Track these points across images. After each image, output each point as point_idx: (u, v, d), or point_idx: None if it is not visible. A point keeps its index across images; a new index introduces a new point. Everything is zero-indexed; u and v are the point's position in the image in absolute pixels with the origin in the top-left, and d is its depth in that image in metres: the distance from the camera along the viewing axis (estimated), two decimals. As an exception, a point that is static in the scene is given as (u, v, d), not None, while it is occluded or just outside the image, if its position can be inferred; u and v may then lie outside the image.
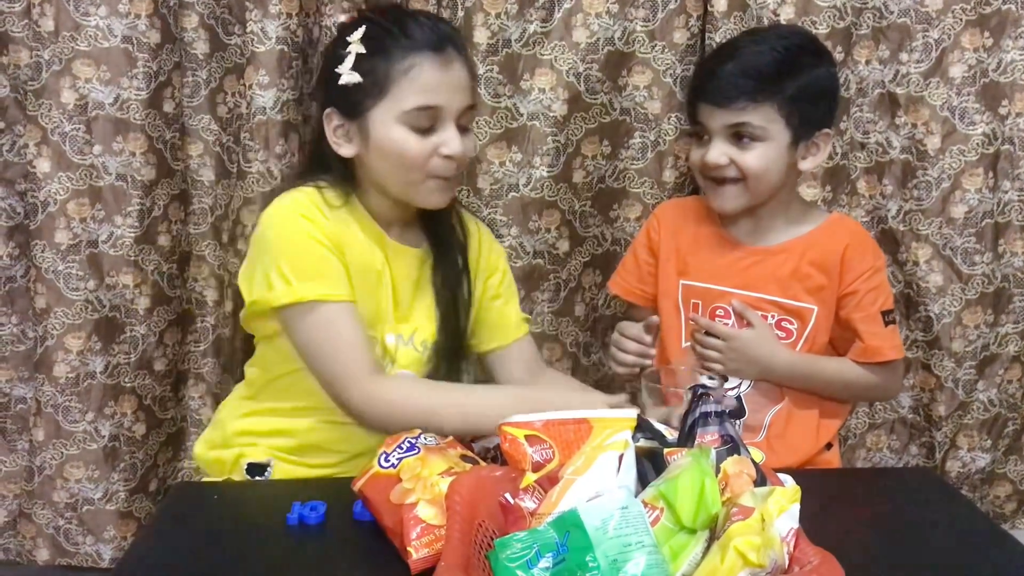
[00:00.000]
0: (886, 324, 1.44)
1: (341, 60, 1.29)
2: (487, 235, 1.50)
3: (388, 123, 1.27)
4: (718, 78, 1.41)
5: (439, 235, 1.41)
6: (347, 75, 1.28)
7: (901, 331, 1.90)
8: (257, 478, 1.34)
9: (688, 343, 1.47)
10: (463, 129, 1.31)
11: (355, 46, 1.28)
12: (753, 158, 1.40)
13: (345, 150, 1.31)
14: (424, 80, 1.26)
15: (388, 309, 1.34)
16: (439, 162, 1.29)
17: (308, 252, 1.25)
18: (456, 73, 1.29)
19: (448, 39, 1.29)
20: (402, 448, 1.10)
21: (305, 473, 1.34)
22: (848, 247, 1.44)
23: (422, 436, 1.13)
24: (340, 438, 1.33)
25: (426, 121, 1.27)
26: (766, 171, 1.41)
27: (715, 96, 1.40)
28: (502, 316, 1.47)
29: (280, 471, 1.34)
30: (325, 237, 1.26)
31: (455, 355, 1.41)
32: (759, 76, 1.38)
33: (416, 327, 1.37)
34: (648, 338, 1.40)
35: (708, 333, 1.43)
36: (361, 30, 1.29)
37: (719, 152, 1.41)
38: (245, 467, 1.35)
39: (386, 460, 1.09)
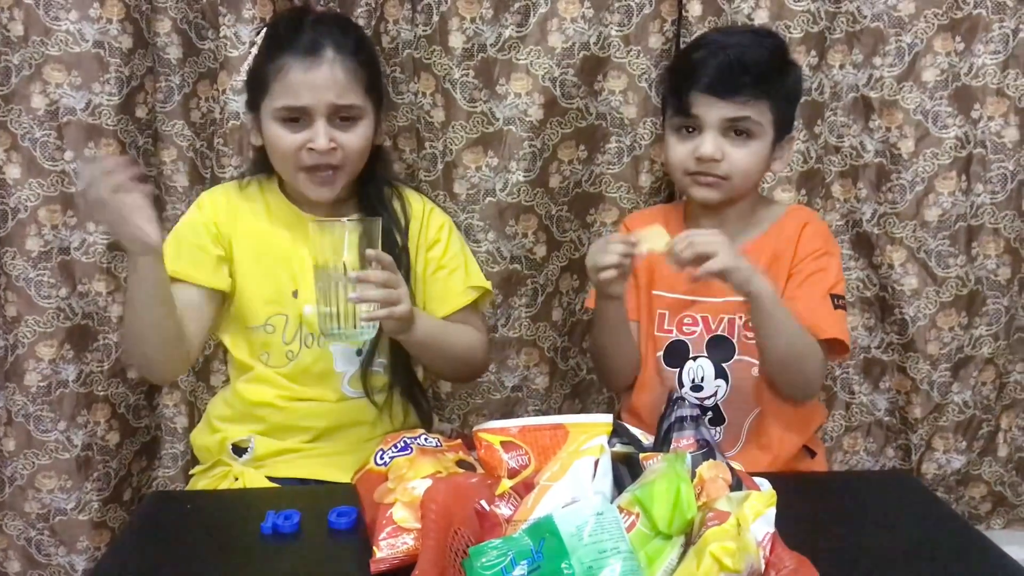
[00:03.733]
0: (835, 307, 1.40)
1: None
2: (430, 210, 1.54)
3: (267, 119, 1.40)
4: (721, 69, 1.37)
5: (371, 210, 1.47)
6: (242, 74, 1.47)
7: (876, 335, 1.91)
8: (242, 458, 1.44)
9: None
10: (344, 122, 1.39)
11: (254, 48, 1.44)
12: (745, 155, 1.38)
13: (255, 139, 1.46)
14: (289, 81, 1.37)
15: (303, 281, 1.41)
16: (307, 155, 1.38)
17: (180, 234, 1.44)
18: (324, 73, 1.37)
19: (324, 42, 1.38)
20: (397, 447, 1.12)
21: (283, 447, 1.43)
22: (803, 230, 1.42)
23: (421, 436, 1.13)
24: (302, 415, 1.44)
25: (295, 115, 1.37)
26: (754, 169, 1.40)
27: (717, 88, 1.36)
28: (446, 287, 1.50)
29: (261, 446, 1.43)
30: (211, 224, 1.43)
31: None
32: (760, 71, 1.36)
33: None
34: (633, 238, 1.32)
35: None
36: (262, 32, 1.44)
37: (715, 146, 1.37)
38: (230, 448, 1.45)
39: (381, 458, 1.12)
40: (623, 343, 1.47)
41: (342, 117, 1.39)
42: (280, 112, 1.38)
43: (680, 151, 1.42)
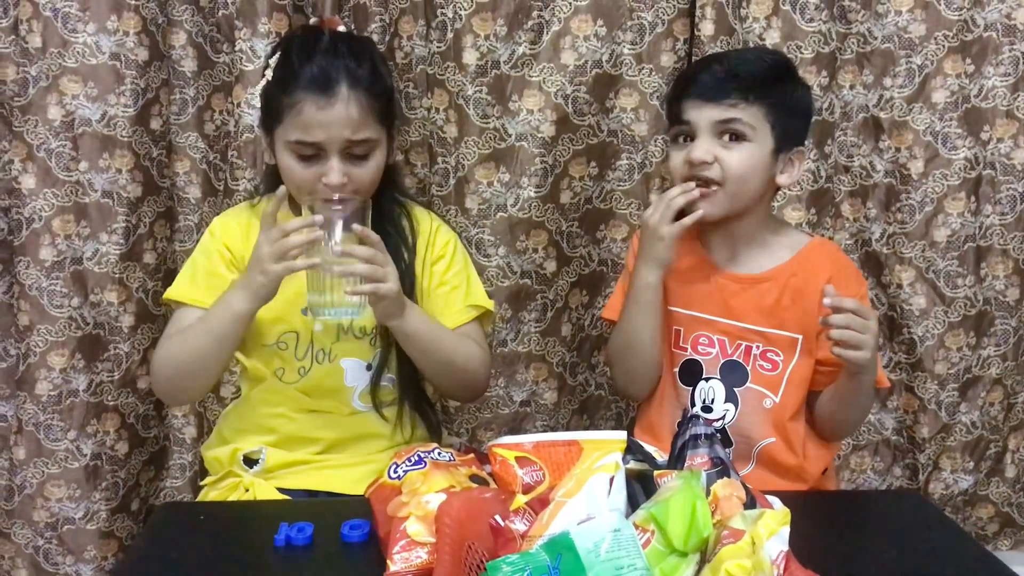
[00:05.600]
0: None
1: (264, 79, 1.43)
2: (437, 227, 1.54)
3: (280, 147, 1.39)
4: (710, 75, 1.40)
5: (380, 228, 1.44)
6: (255, 92, 1.46)
7: (884, 354, 1.91)
8: (253, 469, 1.44)
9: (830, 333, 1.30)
10: (357, 157, 1.38)
11: (268, 71, 1.41)
12: (738, 158, 1.37)
13: (268, 158, 1.45)
14: (304, 118, 1.35)
15: None
16: (323, 188, 1.37)
17: (195, 262, 1.46)
18: (339, 111, 1.34)
19: (338, 78, 1.35)
20: (411, 461, 1.13)
21: (294, 459, 1.44)
22: (831, 279, 1.38)
23: (434, 451, 1.14)
24: (314, 426, 1.45)
25: (309, 151, 1.36)
26: (750, 174, 1.38)
27: (706, 92, 1.39)
28: (447, 303, 1.50)
29: (272, 458, 1.44)
30: (224, 249, 1.44)
31: None
32: (751, 77, 1.38)
33: None
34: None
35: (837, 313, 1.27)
36: (276, 57, 1.41)
37: (704, 150, 1.37)
38: (241, 459, 1.45)
39: (395, 471, 1.13)
40: (653, 331, 1.44)
41: (357, 153, 1.38)
42: (293, 145, 1.37)
43: (676, 159, 1.43)
